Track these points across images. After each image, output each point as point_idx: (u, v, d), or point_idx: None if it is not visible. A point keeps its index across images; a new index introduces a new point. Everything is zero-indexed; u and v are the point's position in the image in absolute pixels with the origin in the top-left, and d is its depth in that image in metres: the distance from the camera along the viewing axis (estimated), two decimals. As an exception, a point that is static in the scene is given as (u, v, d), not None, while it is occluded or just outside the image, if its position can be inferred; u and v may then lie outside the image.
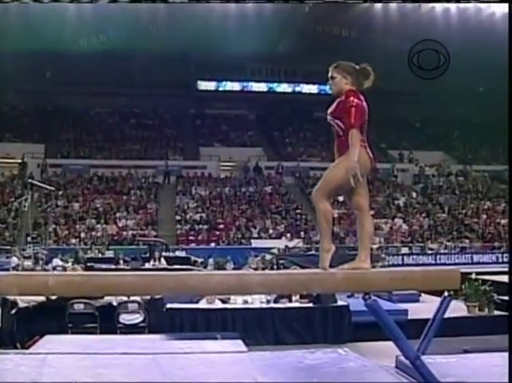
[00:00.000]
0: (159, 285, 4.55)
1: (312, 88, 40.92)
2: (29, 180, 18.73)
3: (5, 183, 32.27)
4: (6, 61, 31.13)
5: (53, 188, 23.96)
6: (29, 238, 23.90)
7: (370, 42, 33.62)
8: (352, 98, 4.88)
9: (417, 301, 12.73)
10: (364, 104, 4.95)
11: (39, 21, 29.49)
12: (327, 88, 5.61)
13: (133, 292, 4.89)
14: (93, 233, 28.14)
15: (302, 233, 28.46)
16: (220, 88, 41.45)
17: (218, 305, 9.84)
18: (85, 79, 35.49)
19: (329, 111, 5.04)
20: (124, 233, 28.12)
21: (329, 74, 5.05)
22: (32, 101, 37.28)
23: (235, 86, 41.44)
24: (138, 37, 33.01)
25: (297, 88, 42.07)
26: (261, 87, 41.74)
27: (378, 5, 33.80)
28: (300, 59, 37.02)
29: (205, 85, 41.10)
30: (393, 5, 33.50)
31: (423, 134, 41.39)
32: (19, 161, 33.53)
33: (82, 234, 27.92)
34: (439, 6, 33.24)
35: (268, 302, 10.18)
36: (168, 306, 9.69)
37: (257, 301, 10.04)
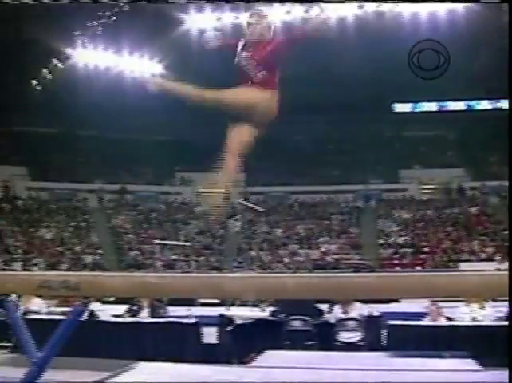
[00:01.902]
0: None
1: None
2: (240, 201, 19.20)
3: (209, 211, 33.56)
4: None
5: (262, 209, 24.59)
6: (234, 263, 24.60)
7: None
8: None
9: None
10: None
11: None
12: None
13: (373, 294, 4.56)
14: (296, 258, 28.40)
15: (514, 255, 26.76)
16: (416, 109, 40.54)
17: (443, 322, 9.31)
18: (281, 107, 36.08)
19: None
20: (327, 257, 28.09)
21: None
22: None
23: (432, 106, 40.34)
24: (329, 63, 33.12)
25: (499, 105, 40.05)
26: (459, 105, 40.26)
27: None
28: (500, 73, 35.16)
29: (401, 107, 40.41)
30: None
31: None
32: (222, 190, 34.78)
33: (286, 259, 28.28)
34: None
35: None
36: (390, 322, 9.33)
37: (486, 317, 9.37)
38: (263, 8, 5.24)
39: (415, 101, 40.25)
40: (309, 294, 4.66)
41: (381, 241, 29.58)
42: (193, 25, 28.63)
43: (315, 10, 28.13)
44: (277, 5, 27.36)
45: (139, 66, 32.57)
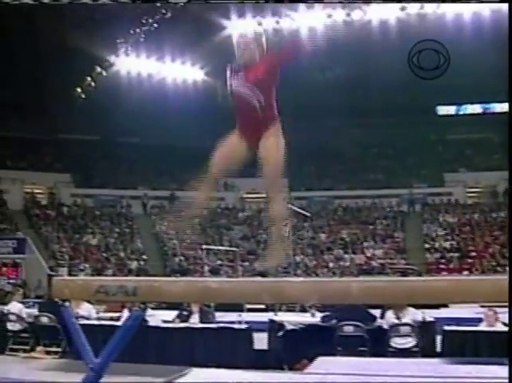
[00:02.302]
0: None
1: None
2: (289, 205, 19.07)
3: (252, 216, 33.62)
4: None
5: (309, 214, 24.52)
6: (279, 269, 24.44)
7: None
8: None
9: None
10: None
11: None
12: None
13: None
14: (341, 263, 28.19)
15: None
16: (461, 112, 39.96)
17: (501, 327, 9.05)
18: (323, 112, 35.92)
19: None
20: (373, 262, 27.83)
21: None
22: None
23: (476, 109, 39.72)
24: (372, 67, 32.81)
25: (547, 106, 39.25)
26: (504, 107, 39.56)
27: None
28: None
29: (445, 110, 39.89)
30: None
31: None
32: (264, 195, 34.88)
33: (330, 264, 28.09)
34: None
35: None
36: (445, 328, 9.11)
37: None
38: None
39: (459, 104, 39.71)
40: (374, 299, 4.53)
41: (427, 245, 29.19)
42: (234, 31, 28.60)
43: (357, 14, 28.05)
44: (318, 7, 27.33)
45: (181, 73, 32.76)
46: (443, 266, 27.25)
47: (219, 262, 28.25)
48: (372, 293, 4.22)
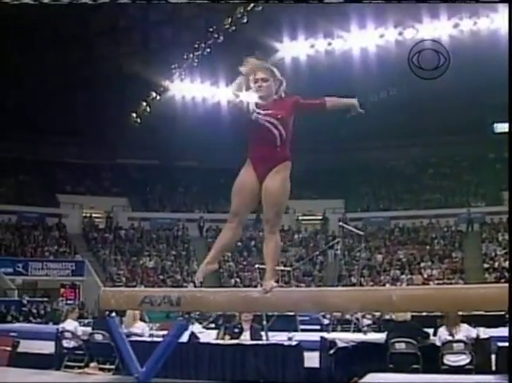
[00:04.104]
0: None
1: None
2: (341, 223, 19.06)
3: (309, 237, 33.67)
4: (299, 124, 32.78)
5: (362, 233, 24.43)
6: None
7: None
8: None
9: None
10: None
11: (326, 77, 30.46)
12: None
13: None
14: (398, 284, 27.86)
15: None
16: (519, 129, 39.21)
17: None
18: (378, 133, 35.76)
19: None
20: (430, 283, 27.43)
21: None
22: (329, 159, 38.37)
23: (534, 125, 38.95)
24: (426, 86, 32.48)
25: None
26: None
27: None
28: None
29: (502, 127, 39.22)
30: None
31: None
32: (320, 217, 35.01)
33: (387, 285, 27.77)
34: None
35: None
36: (500, 344, 8.90)
37: None
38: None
39: (517, 121, 39.01)
40: (414, 307, 4.50)
41: (486, 265, 28.65)
42: (287, 53, 28.79)
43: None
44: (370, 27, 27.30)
45: (235, 96, 33.01)
46: (502, 286, 26.68)
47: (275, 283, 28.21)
48: (412, 301, 4.20)
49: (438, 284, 26.86)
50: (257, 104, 4.89)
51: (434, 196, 35.76)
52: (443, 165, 38.94)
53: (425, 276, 28.33)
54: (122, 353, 5.34)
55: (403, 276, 28.48)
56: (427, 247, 30.93)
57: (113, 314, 11.64)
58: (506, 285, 4.00)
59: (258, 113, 4.84)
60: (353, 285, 27.35)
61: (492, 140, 38.24)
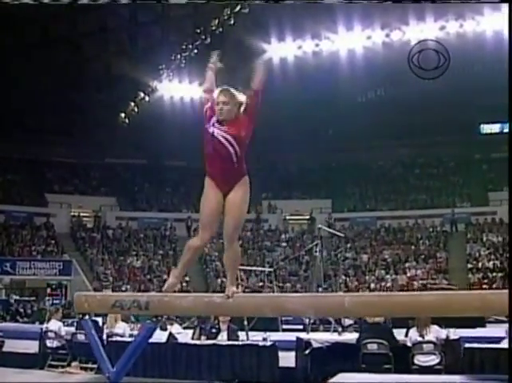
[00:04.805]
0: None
1: None
2: (320, 226, 19.31)
3: (296, 237, 33.91)
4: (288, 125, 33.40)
5: (342, 235, 24.68)
6: (320, 289, 24.52)
7: None
8: None
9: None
10: None
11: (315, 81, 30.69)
12: None
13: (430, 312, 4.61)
14: (383, 283, 28.14)
15: None
16: (505, 130, 39.47)
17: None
18: (365, 134, 35.96)
19: None
20: (414, 283, 27.72)
21: None
22: (316, 159, 38.59)
23: (521, 126, 39.21)
24: (413, 87, 32.75)
25: None
26: (551, 125, 39.04)
27: None
28: None
29: (489, 128, 39.54)
30: None
31: None
32: (307, 217, 35.27)
33: (372, 285, 28.06)
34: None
35: None
36: (466, 345, 9.17)
37: None
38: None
39: (503, 122, 39.26)
40: (365, 312, 4.75)
41: (470, 265, 28.96)
42: (274, 54, 28.99)
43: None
44: (357, 29, 27.53)
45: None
46: (485, 286, 26.94)
47: (261, 283, 28.42)
48: (363, 306, 4.46)
49: (422, 284, 27.18)
50: (217, 120, 5.08)
51: (420, 197, 36.03)
52: (429, 166, 39.21)
53: (408, 275, 28.58)
54: (94, 353, 5.57)
55: (388, 276, 28.74)
56: (413, 247, 31.16)
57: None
58: (448, 292, 4.27)
59: (219, 129, 5.02)
60: (338, 285, 27.72)
61: (479, 141, 38.59)
